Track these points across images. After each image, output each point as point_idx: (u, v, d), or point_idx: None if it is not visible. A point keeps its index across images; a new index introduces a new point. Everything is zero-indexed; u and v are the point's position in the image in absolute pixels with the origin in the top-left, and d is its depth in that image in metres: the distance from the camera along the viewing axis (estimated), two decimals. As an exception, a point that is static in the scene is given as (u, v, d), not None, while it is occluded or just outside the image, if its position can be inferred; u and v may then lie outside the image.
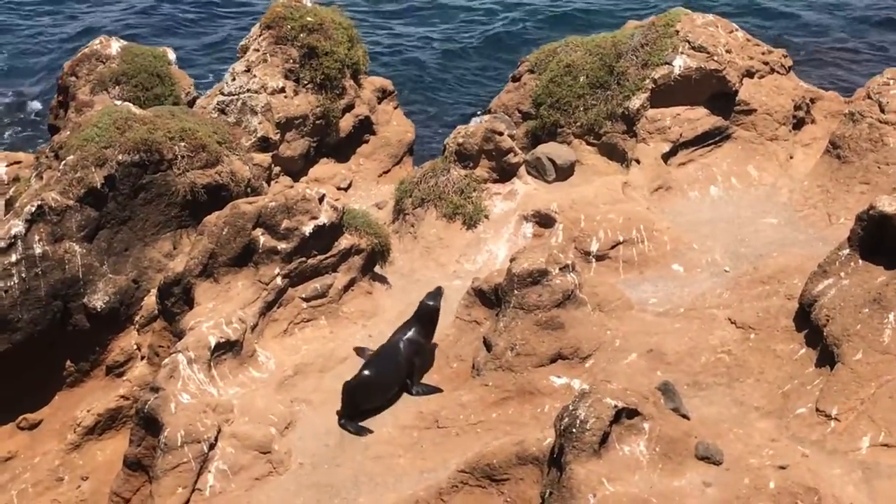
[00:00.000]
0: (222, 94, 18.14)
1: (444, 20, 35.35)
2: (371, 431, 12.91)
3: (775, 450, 11.03)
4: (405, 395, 13.39)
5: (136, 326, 15.45)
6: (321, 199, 14.68)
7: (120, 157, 15.16)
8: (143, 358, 15.21)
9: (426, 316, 13.74)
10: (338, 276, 14.89)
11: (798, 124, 18.40)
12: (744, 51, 18.19)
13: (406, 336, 13.55)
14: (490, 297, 13.87)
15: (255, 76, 18.10)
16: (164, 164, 15.49)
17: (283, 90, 18.08)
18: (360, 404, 13.12)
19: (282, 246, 14.40)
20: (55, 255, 14.73)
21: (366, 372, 13.22)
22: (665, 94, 17.71)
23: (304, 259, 14.58)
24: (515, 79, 19.11)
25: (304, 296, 14.63)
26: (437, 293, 13.92)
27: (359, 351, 14.08)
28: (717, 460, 10.79)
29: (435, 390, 13.39)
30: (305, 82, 18.35)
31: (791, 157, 17.97)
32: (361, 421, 13.08)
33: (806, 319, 12.80)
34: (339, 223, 14.85)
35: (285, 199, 14.50)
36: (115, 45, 18.74)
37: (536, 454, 11.23)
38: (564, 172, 17.39)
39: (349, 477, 12.28)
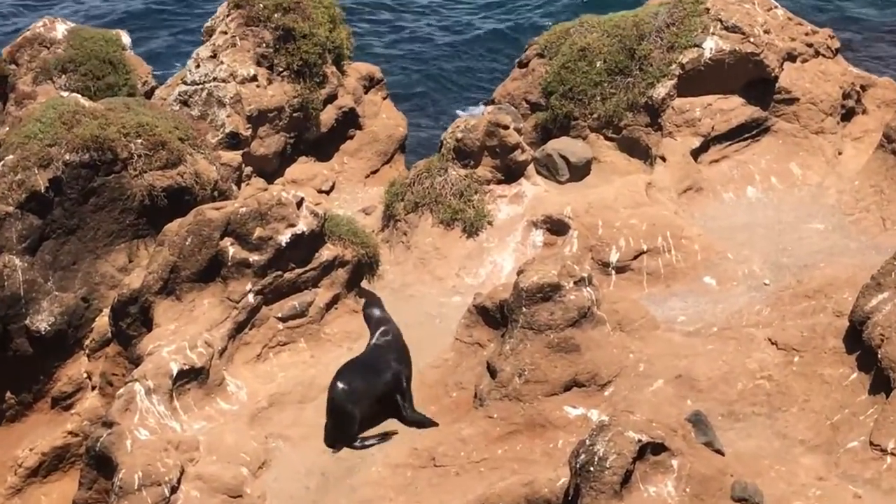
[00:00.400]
0: (185, 83, 18.14)
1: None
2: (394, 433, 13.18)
3: (823, 490, 11.05)
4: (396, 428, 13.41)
5: (87, 352, 15.44)
6: (299, 204, 14.69)
7: (67, 156, 15.17)
8: (94, 388, 15.20)
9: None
10: (319, 292, 14.90)
11: (847, 115, 18.42)
12: (784, 31, 18.23)
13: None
14: (494, 316, 13.88)
15: (222, 63, 18.11)
16: (118, 165, 15.50)
17: (254, 78, 18.10)
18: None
19: (254, 258, 14.40)
20: (-7, 269, 14.78)
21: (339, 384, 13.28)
22: (694, 82, 17.75)
23: (279, 273, 14.59)
24: (523, 64, 19.14)
25: (280, 315, 14.63)
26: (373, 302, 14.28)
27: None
28: (756, 502, 10.80)
29: (428, 423, 13.41)
30: (280, 69, 18.37)
31: (840, 153, 17.99)
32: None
33: (857, 339, 12.81)
34: (321, 231, 14.86)
35: (258, 204, 14.51)
36: (60, 28, 18.75)
37: (548, 496, 11.24)
38: (579, 171, 17.41)
39: (333, 524, 12.30)
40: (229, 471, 12.71)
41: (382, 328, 13.80)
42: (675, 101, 17.74)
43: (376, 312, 14.01)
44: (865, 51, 29.19)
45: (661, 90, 17.70)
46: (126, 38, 19.11)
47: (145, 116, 16.07)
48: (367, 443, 13.20)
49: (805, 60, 18.27)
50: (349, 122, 19.35)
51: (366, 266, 15.45)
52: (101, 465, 12.80)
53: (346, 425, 13.21)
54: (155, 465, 12.37)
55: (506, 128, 16.86)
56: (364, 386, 13.31)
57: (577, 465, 10.66)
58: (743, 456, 11.68)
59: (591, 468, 10.49)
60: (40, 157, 15.09)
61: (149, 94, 18.58)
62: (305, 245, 14.69)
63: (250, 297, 14.41)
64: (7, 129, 15.81)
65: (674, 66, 17.73)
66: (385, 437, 13.24)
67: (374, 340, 13.75)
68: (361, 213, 17.81)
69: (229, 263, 14.36)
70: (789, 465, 11.59)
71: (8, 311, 14.93)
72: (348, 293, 15.20)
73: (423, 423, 13.41)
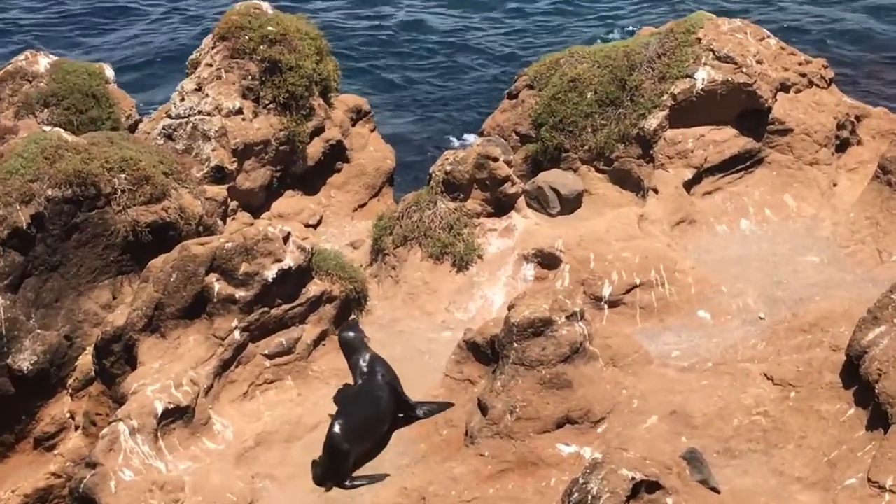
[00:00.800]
0: (169, 116, 18.17)
1: (428, 32, 35.52)
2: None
3: (821, 528, 11.02)
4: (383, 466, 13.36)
5: (70, 391, 15.39)
6: (286, 239, 14.68)
7: (49, 191, 15.15)
8: (77, 428, 15.14)
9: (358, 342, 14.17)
10: (306, 328, 14.88)
11: (842, 146, 18.48)
12: (777, 61, 18.29)
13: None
14: (485, 352, 13.86)
15: (207, 95, 18.14)
16: (102, 200, 15.48)
17: (240, 111, 18.12)
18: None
19: (240, 294, 14.38)
20: (-27, 307, 14.73)
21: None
22: (686, 112, 17.79)
23: (266, 309, 14.56)
24: (512, 96, 19.18)
25: (266, 352, 14.60)
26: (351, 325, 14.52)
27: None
28: (753, 541, 10.77)
29: (444, 406, 13.86)
30: (267, 102, 18.40)
31: (834, 185, 18.04)
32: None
33: (854, 374, 12.79)
34: (308, 266, 14.85)
35: (244, 239, 14.49)
36: (43, 62, 18.77)
37: (541, 536, 11.20)
38: (570, 204, 17.42)
39: (321, 566, 12.25)
40: (215, 512, 12.66)
41: (362, 355, 14.05)
42: (667, 132, 17.78)
43: (350, 335, 14.19)
44: (860, 80, 29.28)
45: (652, 121, 17.74)
46: (109, 71, 19.12)
47: (129, 150, 16.07)
48: (356, 483, 13.14)
49: (799, 91, 18.33)
50: (336, 154, 19.37)
51: (354, 301, 15.46)
52: (85, 506, 12.74)
53: (339, 463, 13.17)
54: (139, 507, 12.33)
55: (495, 160, 16.87)
56: (364, 422, 13.50)
57: (571, 505, 10.63)
58: (739, 494, 11.65)
59: (585, 507, 10.46)
60: (22, 192, 15.06)
61: (133, 128, 18.58)
62: (292, 280, 14.68)
63: (236, 334, 14.38)
64: (-12, 164, 15.76)
65: (665, 96, 17.78)
66: (375, 478, 13.18)
67: (362, 366, 13.91)
68: (349, 248, 17.81)
69: (215, 300, 14.34)
70: (786, 503, 11.55)
71: (-11, 349, 14.88)
72: (336, 329, 15.17)
73: (440, 408, 13.83)
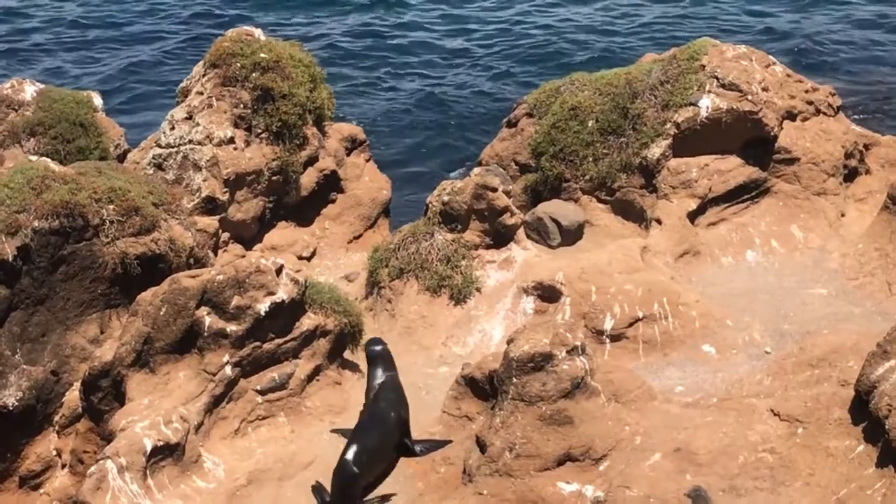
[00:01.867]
0: (159, 146, 18.23)
1: (425, 56, 35.69)
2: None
3: (830, 568, 11.03)
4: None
5: (56, 428, 15.39)
6: (279, 271, 14.73)
7: (36, 223, 15.18)
8: (64, 466, 15.13)
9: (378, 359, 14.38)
10: (299, 363, 14.90)
11: (850, 175, 18.56)
12: (783, 88, 18.38)
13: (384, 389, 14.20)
14: (483, 387, 13.89)
15: (198, 124, 18.20)
16: (90, 232, 15.52)
17: (232, 141, 18.18)
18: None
19: (232, 328, 14.41)
20: (-43, 342, 14.76)
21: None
22: (690, 141, 17.87)
23: (258, 344, 14.59)
24: (511, 124, 19.25)
25: (259, 388, 14.61)
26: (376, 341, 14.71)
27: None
28: (760, 582, 10.79)
29: (442, 444, 13.89)
30: (259, 131, 18.47)
31: (843, 215, 18.10)
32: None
33: (864, 410, 12.82)
34: (301, 300, 14.89)
35: (235, 272, 14.54)
36: (29, 90, 18.84)
37: (542, 577, 11.21)
38: (571, 235, 17.48)
39: None
40: (206, 552, 12.68)
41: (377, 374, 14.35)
42: (670, 161, 17.84)
43: (374, 349, 14.51)
44: (868, 108, 29.42)
45: (655, 150, 17.81)
46: (98, 100, 19.19)
47: (118, 181, 16.11)
48: None
49: (805, 119, 18.41)
50: (331, 185, 19.42)
51: (349, 336, 15.46)
52: (71, 547, 12.75)
53: (349, 488, 13.34)
54: (128, 547, 12.34)
55: (494, 190, 16.94)
56: (375, 446, 13.72)
57: (572, 544, 10.66)
58: (745, 533, 11.68)
59: (587, 547, 10.49)
60: (8, 224, 15.08)
61: (121, 158, 18.64)
62: (285, 314, 14.71)
63: (228, 369, 14.40)
64: (-27, 195, 15.80)
65: (669, 125, 17.85)
66: (384, 499, 13.34)
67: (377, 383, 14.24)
68: (344, 280, 17.85)
69: (206, 334, 14.37)
70: (794, 543, 11.60)
71: (-27, 385, 14.89)
72: (330, 364, 15.21)
73: (436, 447, 13.89)
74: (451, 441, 13.94)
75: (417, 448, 13.96)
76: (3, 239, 15.02)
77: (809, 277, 17.04)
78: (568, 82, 18.96)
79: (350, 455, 13.31)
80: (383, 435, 13.80)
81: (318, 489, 13.46)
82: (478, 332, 16.29)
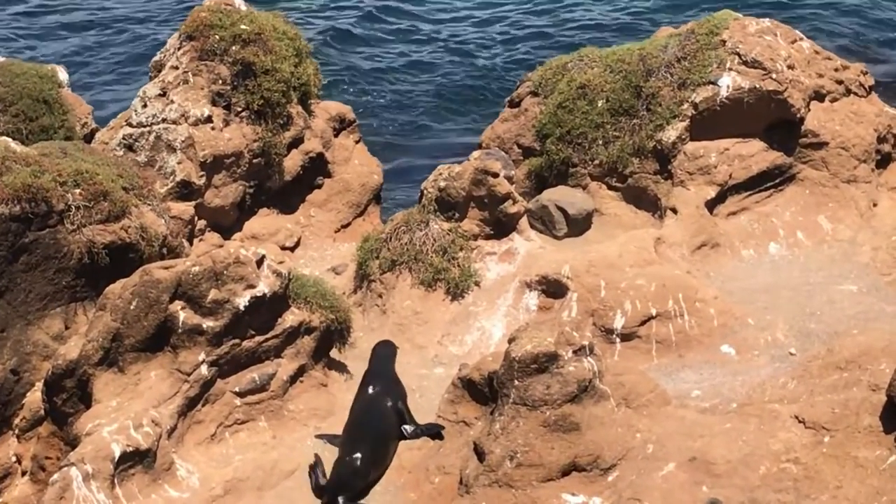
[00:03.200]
0: (129, 125, 18.21)
1: (421, 30, 35.63)
2: None
3: (859, 589, 11.05)
4: None
5: (16, 432, 15.39)
6: (260, 263, 14.73)
7: (-5, 208, 15.19)
8: (24, 473, 15.14)
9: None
10: (282, 363, 14.91)
11: (883, 161, 18.58)
12: (811, 66, 18.39)
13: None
14: (482, 390, 13.89)
15: (172, 102, 18.19)
16: (54, 218, 15.50)
17: (209, 120, 18.17)
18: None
19: (208, 324, 14.41)
20: None
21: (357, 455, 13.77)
22: (709, 123, 17.88)
23: (237, 341, 14.59)
24: (514, 103, 19.25)
25: (237, 389, 14.62)
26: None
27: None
28: None
29: (437, 428, 14.16)
30: (239, 109, 18.45)
31: (875, 205, 18.12)
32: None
33: (896, 417, 12.86)
34: (284, 294, 14.89)
35: (213, 263, 14.53)
36: (-12, 63, 18.85)
37: None
38: (579, 225, 17.49)
39: None
40: (179, 568, 12.69)
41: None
42: (687, 145, 17.84)
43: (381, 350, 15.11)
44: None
45: (671, 133, 17.81)
46: (63, 74, 19.17)
47: (84, 163, 16.10)
48: None
49: (835, 100, 18.41)
50: (317, 168, 19.42)
51: (336, 333, 15.47)
52: (32, 562, 12.76)
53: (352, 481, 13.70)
54: (93, 563, 12.35)
55: (495, 175, 16.94)
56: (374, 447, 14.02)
57: (578, 562, 10.67)
58: (767, 550, 11.69)
59: (594, 565, 10.50)
60: (-36, 209, 15.11)
61: (88, 138, 18.62)
62: (267, 309, 14.71)
63: (203, 369, 14.40)
64: (-74, 177, 15.79)
65: (686, 105, 17.85)
66: None
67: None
68: (331, 273, 17.86)
69: (180, 330, 14.36)
70: (819, 561, 11.61)
71: (-74, 385, 14.91)
72: (315, 364, 15.22)
73: (426, 432, 14.28)
74: (443, 427, 14.09)
75: (414, 431, 14.27)
76: (-40, 226, 15.04)
77: (838, 272, 17.06)
78: (576, 58, 18.93)
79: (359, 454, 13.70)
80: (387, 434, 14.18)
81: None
82: (476, 330, 16.31)
